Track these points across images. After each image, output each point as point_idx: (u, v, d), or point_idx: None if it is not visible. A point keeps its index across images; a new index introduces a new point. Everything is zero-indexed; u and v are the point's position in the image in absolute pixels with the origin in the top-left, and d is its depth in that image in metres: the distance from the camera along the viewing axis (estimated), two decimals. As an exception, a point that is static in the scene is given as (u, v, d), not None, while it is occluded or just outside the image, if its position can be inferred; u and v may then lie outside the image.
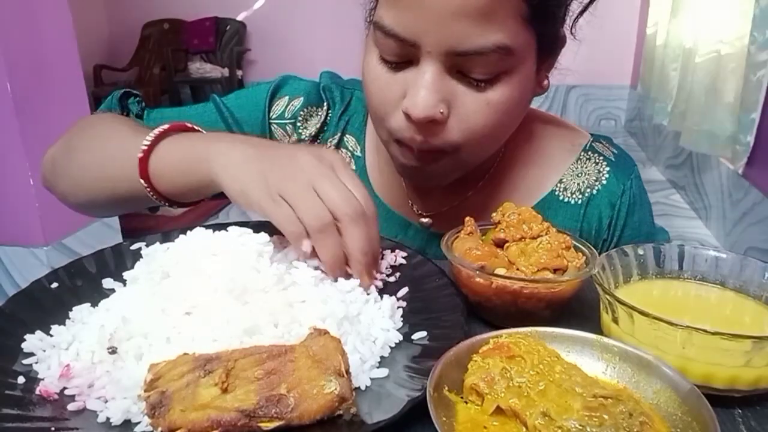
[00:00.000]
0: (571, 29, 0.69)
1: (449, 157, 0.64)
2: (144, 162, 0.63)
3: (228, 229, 0.55)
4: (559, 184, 0.77)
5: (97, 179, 0.70)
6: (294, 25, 5.14)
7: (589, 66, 4.90)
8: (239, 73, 5.17)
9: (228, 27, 5.22)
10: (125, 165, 0.64)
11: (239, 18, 5.23)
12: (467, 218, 0.61)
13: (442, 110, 0.60)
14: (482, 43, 0.57)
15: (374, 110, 0.66)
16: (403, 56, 0.61)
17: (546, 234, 0.57)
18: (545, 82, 0.70)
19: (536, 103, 0.72)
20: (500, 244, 0.58)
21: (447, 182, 0.70)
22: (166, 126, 0.65)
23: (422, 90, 0.59)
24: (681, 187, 3.52)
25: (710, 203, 3.04)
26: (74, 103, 2.35)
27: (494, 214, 0.60)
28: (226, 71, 5.09)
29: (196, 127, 0.68)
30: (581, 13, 0.68)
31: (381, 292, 0.56)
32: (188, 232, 0.56)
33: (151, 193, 0.64)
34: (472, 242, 0.57)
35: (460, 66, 0.60)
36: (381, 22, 0.60)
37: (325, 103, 0.82)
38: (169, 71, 5.07)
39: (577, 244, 0.58)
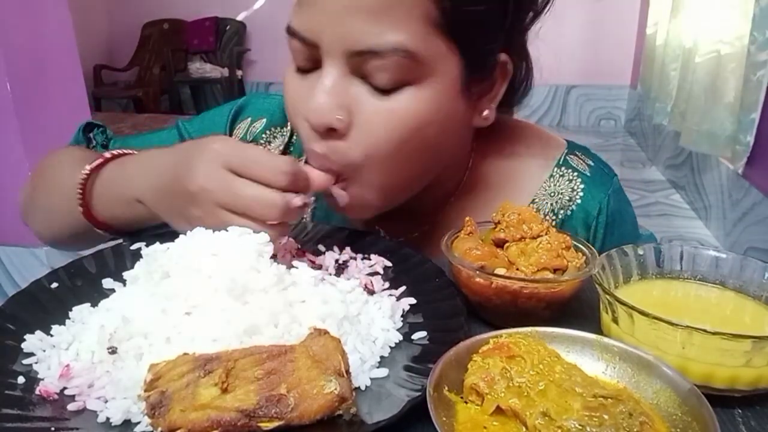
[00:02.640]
0: (510, 51, 0.63)
1: (353, 184, 0.60)
2: (86, 208, 0.66)
3: (228, 229, 0.55)
4: (531, 205, 0.73)
5: (56, 222, 0.74)
6: (294, 25, 5.14)
7: (589, 66, 4.92)
8: (239, 73, 5.17)
9: (228, 27, 5.22)
10: (72, 210, 0.66)
11: (239, 18, 5.23)
12: (467, 218, 0.61)
13: (339, 116, 0.56)
14: (378, 42, 0.54)
15: (290, 121, 0.63)
16: (311, 59, 0.58)
17: (546, 234, 0.57)
18: (486, 112, 0.64)
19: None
20: (500, 244, 0.58)
21: (365, 216, 0.65)
22: (87, 170, 0.65)
23: (319, 94, 0.56)
24: (681, 187, 3.52)
25: (710, 203, 3.04)
26: (74, 103, 2.34)
27: (494, 214, 0.60)
28: (226, 71, 5.09)
29: (126, 152, 0.68)
30: (529, 24, 0.64)
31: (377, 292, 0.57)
32: (188, 232, 0.56)
33: (104, 232, 0.67)
34: (472, 242, 0.57)
35: (361, 69, 0.56)
36: (289, 25, 0.58)
37: (288, 122, 0.78)
38: (169, 71, 5.08)
39: (577, 244, 0.58)
